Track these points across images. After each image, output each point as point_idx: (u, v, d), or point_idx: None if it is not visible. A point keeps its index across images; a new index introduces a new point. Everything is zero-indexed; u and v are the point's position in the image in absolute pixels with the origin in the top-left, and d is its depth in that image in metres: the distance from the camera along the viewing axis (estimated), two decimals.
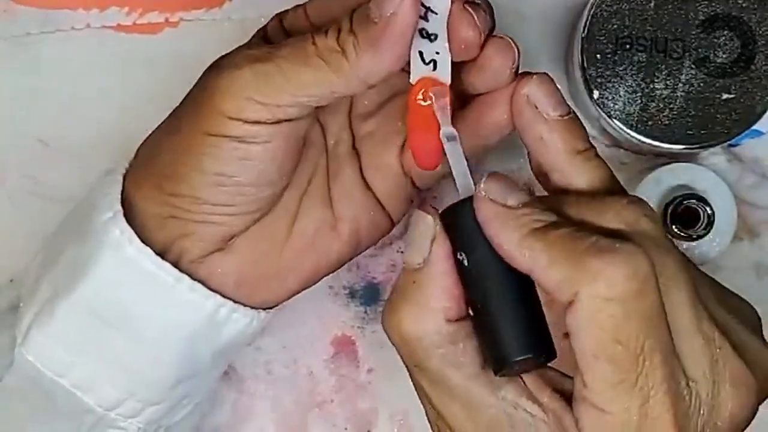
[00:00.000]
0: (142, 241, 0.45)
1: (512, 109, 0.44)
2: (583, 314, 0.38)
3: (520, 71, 0.45)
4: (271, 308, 0.49)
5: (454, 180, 0.42)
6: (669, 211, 0.53)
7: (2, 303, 0.50)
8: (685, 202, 0.53)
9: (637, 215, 0.40)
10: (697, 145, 0.53)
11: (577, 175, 0.43)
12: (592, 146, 0.43)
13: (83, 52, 0.56)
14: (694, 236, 0.54)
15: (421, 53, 0.43)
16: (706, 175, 0.54)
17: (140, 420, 0.48)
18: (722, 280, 0.57)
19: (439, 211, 0.41)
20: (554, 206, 0.40)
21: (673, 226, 0.53)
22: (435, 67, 0.44)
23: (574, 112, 0.43)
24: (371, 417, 0.57)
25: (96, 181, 0.49)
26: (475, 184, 0.41)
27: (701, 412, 0.40)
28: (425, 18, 0.43)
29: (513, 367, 0.40)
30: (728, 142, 0.53)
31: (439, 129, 0.43)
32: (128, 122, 0.48)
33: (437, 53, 0.43)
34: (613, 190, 0.43)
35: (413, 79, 0.44)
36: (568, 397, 0.40)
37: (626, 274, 0.37)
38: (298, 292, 0.49)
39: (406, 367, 0.42)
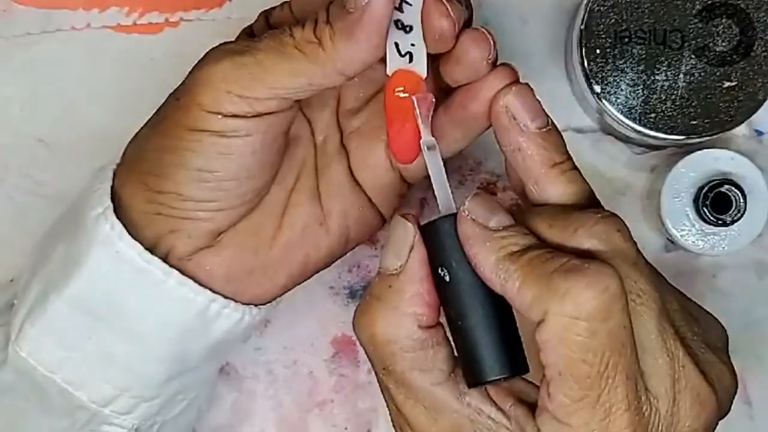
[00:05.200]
0: (132, 237, 0.45)
1: (492, 120, 0.44)
2: (552, 332, 0.38)
3: (520, 72, 0.44)
4: (263, 305, 0.49)
5: (434, 193, 0.43)
6: (701, 195, 0.53)
7: (1, 302, 0.50)
8: (719, 187, 0.53)
9: (610, 231, 0.40)
10: (701, 135, 0.52)
11: (552, 187, 0.43)
12: (569, 158, 0.43)
13: (83, 52, 0.57)
14: (728, 221, 0.53)
15: (396, 45, 0.43)
16: (740, 160, 0.54)
17: (135, 416, 0.48)
18: (723, 280, 0.57)
19: (421, 223, 0.42)
20: (531, 225, 0.41)
21: (706, 211, 0.53)
22: (411, 59, 0.43)
23: (553, 123, 0.43)
24: (371, 417, 0.57)
25: (87, 180, 0.49)
26: (455, 199, 0.42)
27: (660, 428, 0.40)
28: (400, 9, 0.43)
29: (488, 383, 0.41)
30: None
31: (416, 123, 0.44)
32: (128, 122, 0.48)
33: (413, 45, 0.43)
34: (588, 203, 0.43)
35: (389, 71, 0.44)
36: (531, 406, 0.41)
37: (593, 294, 0.38)
38: (290, 288, 0.49)
39: (373, 367, 0.43)
